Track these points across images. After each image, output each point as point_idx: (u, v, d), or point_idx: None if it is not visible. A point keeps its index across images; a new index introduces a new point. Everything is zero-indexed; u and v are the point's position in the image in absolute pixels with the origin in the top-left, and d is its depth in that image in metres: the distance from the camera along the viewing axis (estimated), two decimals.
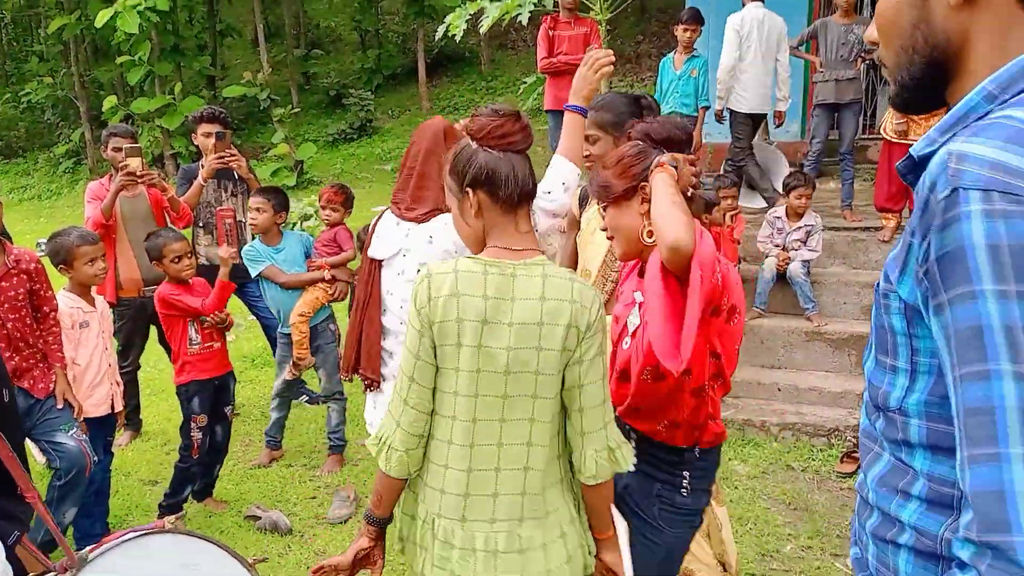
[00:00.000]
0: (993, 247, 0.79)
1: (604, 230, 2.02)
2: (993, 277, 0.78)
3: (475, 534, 1.70)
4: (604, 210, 1.98)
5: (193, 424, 3.66)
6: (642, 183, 1.87)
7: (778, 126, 6.49)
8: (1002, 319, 0.78)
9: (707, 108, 6.23)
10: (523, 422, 1.70)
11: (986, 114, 0.90)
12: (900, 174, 1.01)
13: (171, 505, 3.72)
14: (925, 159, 0.94)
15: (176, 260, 3.53)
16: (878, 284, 1.00)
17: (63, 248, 3.31)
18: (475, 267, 1.67)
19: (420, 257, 2.43)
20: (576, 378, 1.70)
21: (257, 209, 4.07)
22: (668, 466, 1.96)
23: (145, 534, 1.76)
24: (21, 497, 1.42)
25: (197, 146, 4.77)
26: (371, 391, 2.66)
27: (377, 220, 2.64)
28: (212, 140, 4.57)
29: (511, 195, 1.69)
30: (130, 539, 1.70)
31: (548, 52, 5.97)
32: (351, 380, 2.77)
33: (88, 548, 1.65)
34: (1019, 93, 0.88)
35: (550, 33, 5.96)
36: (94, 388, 3.43)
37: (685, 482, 1.96)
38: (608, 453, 1.75)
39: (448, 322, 1.64)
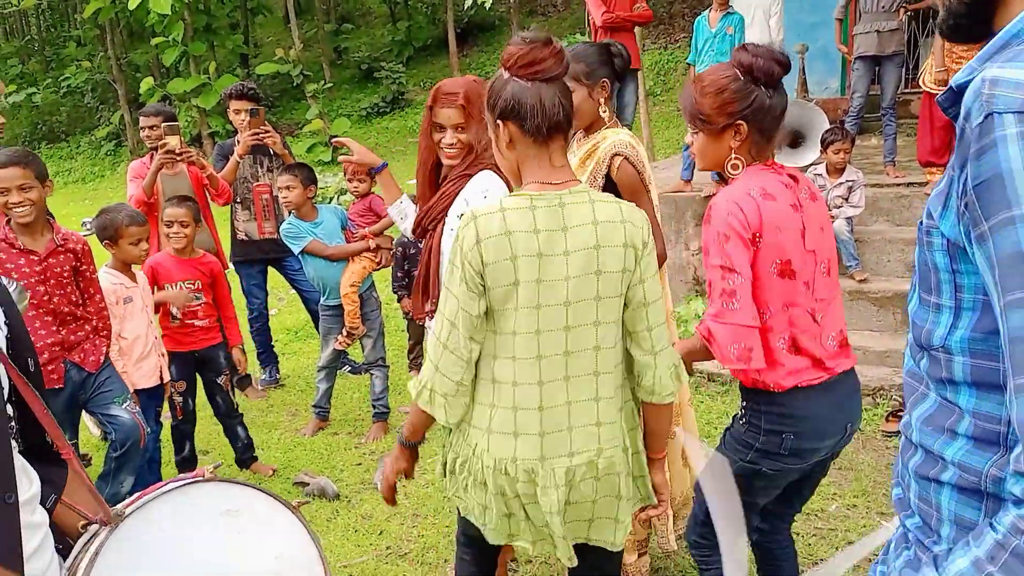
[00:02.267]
0: None
1: (690, 144, 2.04)
2: None
3: (555, 469, 1.69)
4: (695, 134, 1.99)
5: (173, 389, 3.76)
6: (739, 119, 1.88)
7: None
8: None
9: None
10: (588, 352, 1.69)
11: None
12: (942, 108, 0.98)
13: (183, 460, 3.89)
14: (964, 89, 0.91)
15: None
16: (921, 222, 0.99)
17: (111, 224, 3.39)
18: (522, 203, 1.64)
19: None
20: (642, 297, 1.71)
21: (287, 187, 4.12)
22: (742, 396, 2.03)
23: (186, 484, 1.77)
24: (56, 461, 1.46)
25: (233, 123, 4.82)
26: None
27: None
28: (243, 116, 4.61)
29: (538, 127, 1.64)
30: (170, 489, 1.71)
31: (607, 7, 5.84)
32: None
33: (125, 503, 1.66)
34: None
35: None
36: (142, 360, 3.52)
37: (745, 414, 2.00)
38: (674, 369, 1.78)
39: (502, 262, 1.61)
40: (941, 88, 5.01)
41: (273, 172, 4.89)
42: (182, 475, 1.88)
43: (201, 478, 1.79)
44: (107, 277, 3.43)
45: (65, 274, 3.11)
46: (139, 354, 3.51)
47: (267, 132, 4.66)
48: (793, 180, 1.96)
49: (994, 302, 0.84)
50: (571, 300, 1.65)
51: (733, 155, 1.92)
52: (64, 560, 1.46)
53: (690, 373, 2.09)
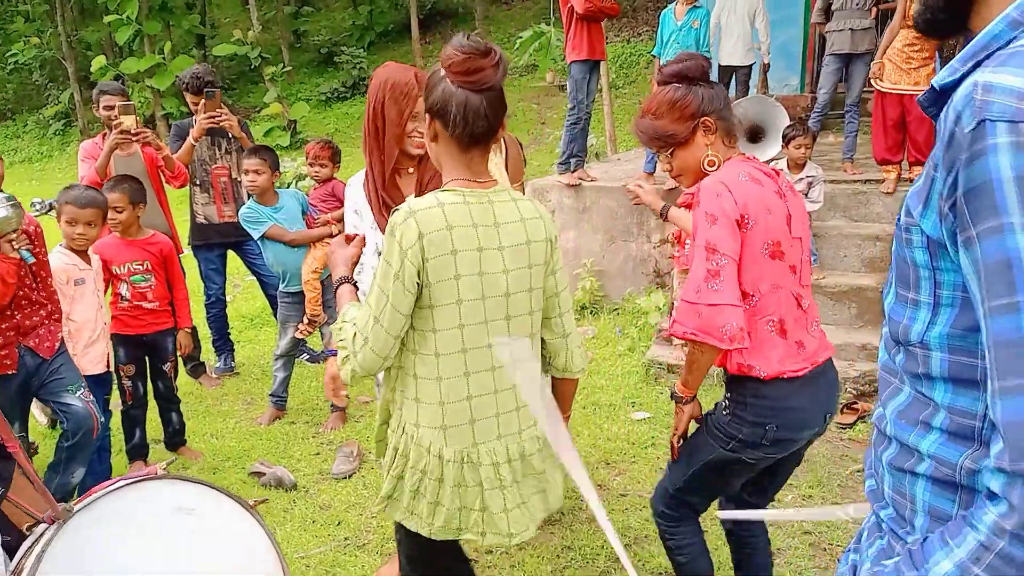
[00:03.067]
0: (1021, 179, 0.78)
1: (668, 170, 2.10)
2: (1022, 210, 0.78)
3: (508, 447, 1.79)
4: (671, 155, 2.05)
5: (121, 372, 3.69)
6: (703, 117, 1.97)
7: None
8: None
9: (708, 60, 6.15)
10: (527, 340, 1.80)
11: (1010, 42, 0.88)
12: (922, 107, 0.98)
13: (133, 448, 3.82)
14: (948, 90, 0.92)
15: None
16: (899, 219, 0.99)
17: (59, 199, 3.32)
18: (456, 199, 1.68)
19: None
20: (554, 286, 1.86)
21: (256, 171, 4.03)
22: (727, 387, 2.06)
23: (138, 481, 1.73)
24: (3, 456, 1.41)
25: (189, 106, 4.69)
26: None
27: None
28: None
29: (459, 135, 1.66)
30: (122, 486, 1.67)
31: None
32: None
33: (74, 500, 1.62)
34: None
35: None
36: (90, 346, 3.41)
37: (729, 406, 2.04)
38: (581, 349, 1.94)
39: (444, 256, 1.64)
40: (894, 87, 5.13)
41: (232, 154, 4.78)
42: (134, 472, 1.83)
43: (154, 475, 1.76)
44: (60, 257, 3.32)
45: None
46: (87, 339, 3.41)
47: (224, 115, 4.55)
48: (774, 172, 2.04)
49: (977, 305, 0.85)
50: (510, 292, 1.74)
51: (708, 152, 2.00)
52: (11, 558, 1.40)
53: (694, 388, 2.08)
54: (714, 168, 1.99)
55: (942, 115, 0.89)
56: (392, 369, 1.79)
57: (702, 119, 1.97)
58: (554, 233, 1.83)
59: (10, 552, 1.43)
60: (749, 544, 2.38)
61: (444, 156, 1.74)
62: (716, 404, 2.11)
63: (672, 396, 2.14)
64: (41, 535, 1.41)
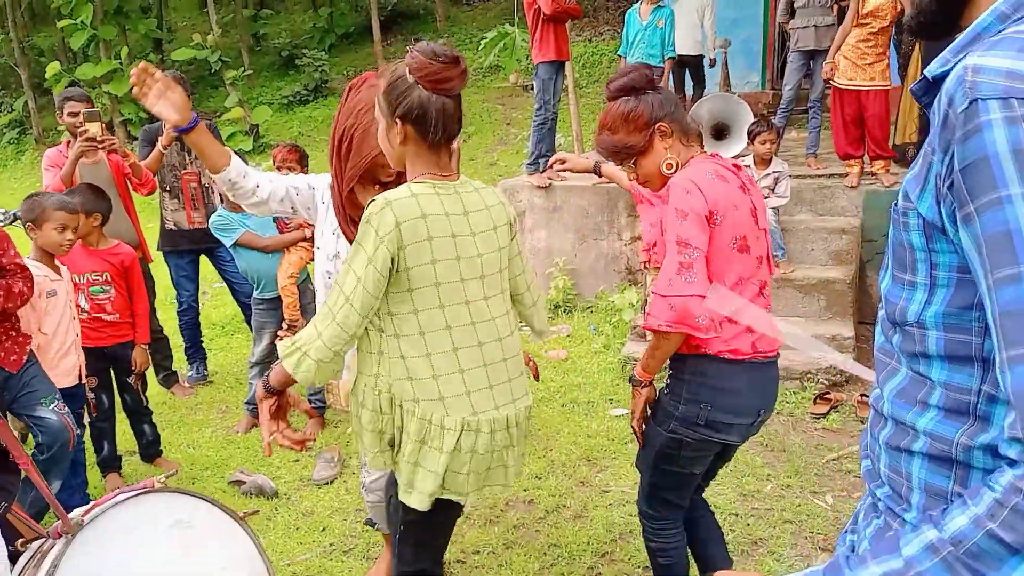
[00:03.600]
0: (1017, 151, 0.81)
1: (635, 178, 2.17)
2: (1020, 180, 0.80)
3: (507, 416, 1.90)
4: (634, 165, 2.11)
5: (86, 384, 3.56)
6: (657, 124, 2.05)
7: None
8: None
9: (673, 59, 6.22)
10: (504, 317, 1.94)
11: (999, 32, 0.91)
12: (916, 96, 1.02)
13: (103, 461, 3.78)
14: (940, 80, 0.95)
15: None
16: (895, 204, 1.02)
17: (38, 207, 3.20)
18: (428, 190, 1.79)
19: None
20: (520, 264, 2.07)
21: None
22: (669, 365, 2.14)
23: (137, 495, 1.74)
24: (6, 468, 1.39)
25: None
26: None
27: None
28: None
29: (438, 139, 1.79)
30: (121, 500, 1.68)
31: None
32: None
33: (82, 512, 1.62)
34: None
35: None
36: (61, 358, 3.33)
37: (668, 384, 2.14)
38: (545, 312, 2.17)
39: (420, 242, 1.74)
40: (850, 83, 5.24)
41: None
42: (132, 486, 1.82)
43: (151, 488, 1.76)
44: (31, 268, 3.25)
45: None
46: (57, 351, 3.32)
47: None
48: (736, 167, 2.11)
49: (980, 280, 0.87)
50: (484, 274, 1.88)
51: (667, 155, 2.08)
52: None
53: (653, 373, 2.16)
54: (672, 171, 2.07)
55: (935, 102, 0.93)
56: (372, 356, 1.85)
57: (656, 126, 2.05)
58: (513, 216, 2.00)
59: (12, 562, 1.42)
60: (696, 518, 2.41)
61: (413, 156, 1.84)
62: (660, 389, 2.21)
63: (631, 380, 2.22)
64: (46, 548, 1.39)
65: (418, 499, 1.87)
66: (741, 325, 2.02)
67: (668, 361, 2.13)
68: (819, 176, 5.64)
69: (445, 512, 1.97)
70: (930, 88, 0.98)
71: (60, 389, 3.28)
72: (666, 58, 6.19)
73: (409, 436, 1.85)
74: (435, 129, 1.76)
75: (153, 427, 3.97)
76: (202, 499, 1.87)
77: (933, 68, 0.97)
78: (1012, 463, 0.83)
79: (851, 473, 3.52)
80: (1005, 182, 0.81)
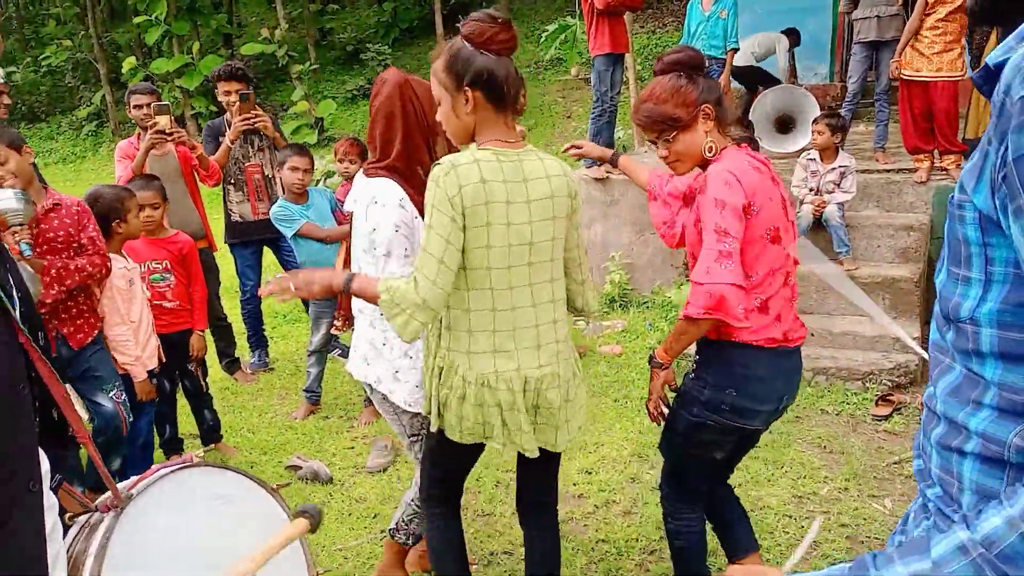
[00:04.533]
0: None
1: (665, 156, 2.15)
2: None
3: (527, 378, 1.98)
4: (672, 140, 2.10)
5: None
6: (703, 104, 2.06)
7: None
8: None
9: (736, 50, 6.11)
10: (546, 284, 2.00)
11: None
12: (976, 85, 0.98)
13: (166, 443, 3.89)
14: (1000, 67, 0.91)
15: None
16: (952, 197, 0.99)
17: (117, 200, 3.35)
18: (491, 157, 1.88)
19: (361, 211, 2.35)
20: (576, 238, 2.10)
21: (305, 170, 4.14)
22: (696, 351, 2.20)
23: (178, 469, 1.81)
24: (62, 443, 1.45)
25: (219, 104, 4.75)
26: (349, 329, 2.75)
27: None
28: (233, 98, 4.57)
29: (506, 95, 1.88)
30: (165, 475, 1.76)
31: None
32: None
33: (127, 485, 1.68)
34: None
35: None
36: (146, 343, 3.47)
37: (694, 369, 2.19)
38: (595, 293, 2.14)
39: (479, 206, 1.84)
40: (916, 74, 5.05)
41: (264, 151, 4.84)
42: (171, 461, 1.90)
43: (189, 463, 1.82)
44: (113, 259, 3.37)
45: (60, 238, 3.05)
46: (143, 336, 3.46)
47: (258, 116, 4.62)
48: (766, 161, 2.15)
49: None
50: (534, 241, 1.93)
51: (708, 139, 2.09)
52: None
53: (675, 356, 2.20)
54: (712, 154, 2.08)
55: (995, 91, 0.89)
56: None
57: (702, 106, 2.06)
58: (575, 189, 2.03)
59: None
60: (720, 502, 2.46)
61: (483, 121, 1.92)
62: (685, 374, 2.24)
63: (651, 361, 2.24)
64: (94, 521, 1.46)
65: (467, 436, 2.03)
66: (771, 314, 2.06)
67: (695, 346, 2.18)
68: (887, 171, 5.47)
69: (467, 446, 2.10)
70: (991, 76, 0.94)
71: (149, 371, 3.42)
72: (728, 49, 6.07)
73: (452, 391, 2.00)
74: (505, 86, 1.85)
75: (213, 412, 4.07)
76: (235, 471, 1.96)
77: (995, 56, 0.93)
78: None
79: (912, 478, 3.40)
80: None
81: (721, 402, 2.09)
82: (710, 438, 2.17)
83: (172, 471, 1.78)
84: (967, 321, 0.97)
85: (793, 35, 7.67)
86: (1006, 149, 0.84)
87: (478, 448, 2.18)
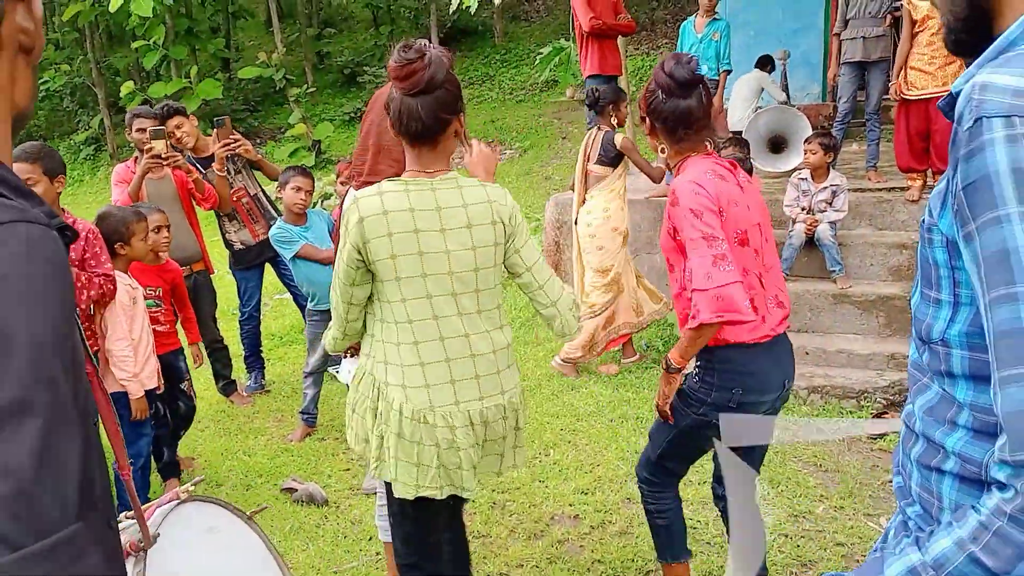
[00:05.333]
0: (1017, 170, 0.79)
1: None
2: (1018, 199, 0.79)
3: (469, 411, 1.97)
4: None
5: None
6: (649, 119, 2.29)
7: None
8: None
9: (728, 72, 6.17)
10: (476, 314, 1.98)
11: (1016, 48, 0.90)
12: (943, 112, 1.01)
13: (164, 467, 3.89)
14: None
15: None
16: (923, 220, 1.01)
17: (123, 223, 3.42)
18: (397, 187, 1.91)
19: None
20: (522, 263, 2.05)
21: (307, 191, 4.22)
22: (698, 356, 2.26)
23: (178, 505, 1.85)
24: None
25: (212, 128, 4.73)
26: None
27: None
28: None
29: (402, 133, 1.91)
30: (168, 512, 1.80)
31: (595, 13, 5.72)
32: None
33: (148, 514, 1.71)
34: None
35: None
36: (146, 362, 3.49)
37: (698, 373, 2.26)
38: (574, 309, 2.12)
39: (380, 238, 1.86)
40: (922, 92, 5.10)
41: (243, 172, 4.87)
42: (164, 497, 1.93)
43: (188, 499, 1.85)
44: (117, 277, 3.42)
45: (73, 262, 3.09)
46: (143, 355, 3.48)
47: (238, 140, 4.64)
48: (732, 166, 2.28)
49: (979, 299, 0.87)
50: (454, 270, 1.92)
51: (660, 145, 2.30)
52: None
53: (688, 359, 2.26)
54: (675, 163, 2.26)
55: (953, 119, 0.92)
56: (367, 336, 2.04)
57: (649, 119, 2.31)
58: (508, 215, 1.99)
59: None
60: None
61: (407, 154, 1.98)
62: (686, 375, 2.32)
63: (667, 367, 2.28)
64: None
65: (402, 489, 1.97)
66: (759, 313, 2.17)
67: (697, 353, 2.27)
68: (879, 190, 5.51)
69: (432, 509, 2.05)
70: (954, 103, 0.97)
71: (146, 392, 3.43)
72: (721, 71, 6.13)
73: (389, 427, 1.96)
74: (398, 124, 1.88)
75: (185, 431, 4.10)
76: (215, 503, 2.01)
77: (957, 83, 0.96)
78: (1000, 486, 0.81)
79: None
80: (1004, 201, 0.80)
81: (728, 400, 2.18)
82: (713, 433, 2.24)
83: (175, 507, 1.83)
84: (939, 342, 0.99)
85: (768, 63, 7.71)
86: (958, 177, 0.87)
87: (437, 510, 2.06)
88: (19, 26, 0.81)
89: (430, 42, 1.88)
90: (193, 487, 2.04)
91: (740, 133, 6.64)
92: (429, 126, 1.88)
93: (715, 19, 6.08)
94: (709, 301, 2.00)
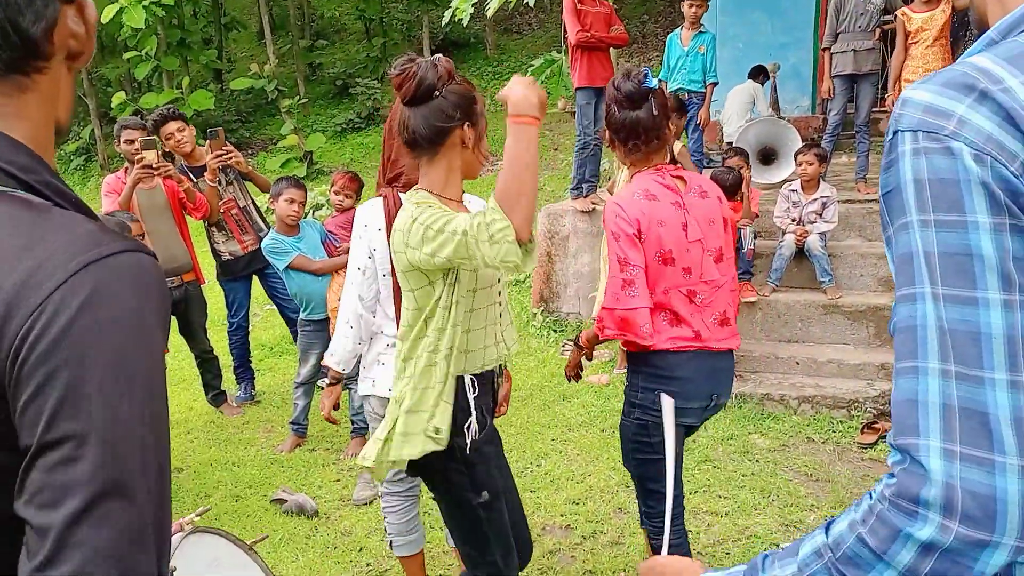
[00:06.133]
0: (917, 181, 0.86)
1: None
2: (918, 208, 0.86)
3: None
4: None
5: None
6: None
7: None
8: (923, 246, 0.85)
9: (715, 84, 6.21)
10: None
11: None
12: None
13: None
14: None
15: None
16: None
17: (121, 230, 3.38)
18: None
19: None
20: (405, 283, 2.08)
21: (300, 203, 4.18)
22: (628, 361, 2.45)
23: (182, 539, 1.88)
24: None
25: (205, 139, 4.74)
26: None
27: None
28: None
29: (408, 139, 1.93)
30: (179, 542, 1.82)
31: (582, 26, 5.74)
32: None
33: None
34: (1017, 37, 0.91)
35: (578, 7, 5.83)
36: None
37: (628, 376, 2.43)
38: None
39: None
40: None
41: (233, 184, 4.86)
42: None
43: (191, 530, 1.86)
44: None
45: None
46: None
47: (229, 152, 4.63)
48: (681, 181, 2.35)
49: None
50: (403, 289, 1.98)
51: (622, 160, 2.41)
52: None
53: (589, 359, 2.66)
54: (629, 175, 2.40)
55: None
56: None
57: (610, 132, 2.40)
58: (405, 241, 1.86)
59: None
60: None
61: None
62: (625, 387, 2.45)
63: (575, 341, 2.55)
64: None
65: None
66: (684, 325, 2.29)
67: (626, 357, 2.48)
68: (868, 201, 5.54)
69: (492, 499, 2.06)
70: None
71: None
72: (708, 83, 6.17)
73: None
74: (400, 133, 1.93)
75: None
76: (215, 533, 2.01)
77: None
78: (890, 473, 0.86)
79: None
80: (909, 209, 0.87)
81: (652, 402, 2.28)
82: (657, 437, 2.29)
83: (183, 538, 1.84)
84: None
85: (760, 73, 7.77)
86: (879, 185, 0.93)
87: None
88: (70, 30, 0.79)
89: (422, 54, 1.91)
90: (198, 517, 2.05)
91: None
92: (423, 135, 1.88)
93: (701, 32, 6.11)
94: (614, 320, 2.21)
